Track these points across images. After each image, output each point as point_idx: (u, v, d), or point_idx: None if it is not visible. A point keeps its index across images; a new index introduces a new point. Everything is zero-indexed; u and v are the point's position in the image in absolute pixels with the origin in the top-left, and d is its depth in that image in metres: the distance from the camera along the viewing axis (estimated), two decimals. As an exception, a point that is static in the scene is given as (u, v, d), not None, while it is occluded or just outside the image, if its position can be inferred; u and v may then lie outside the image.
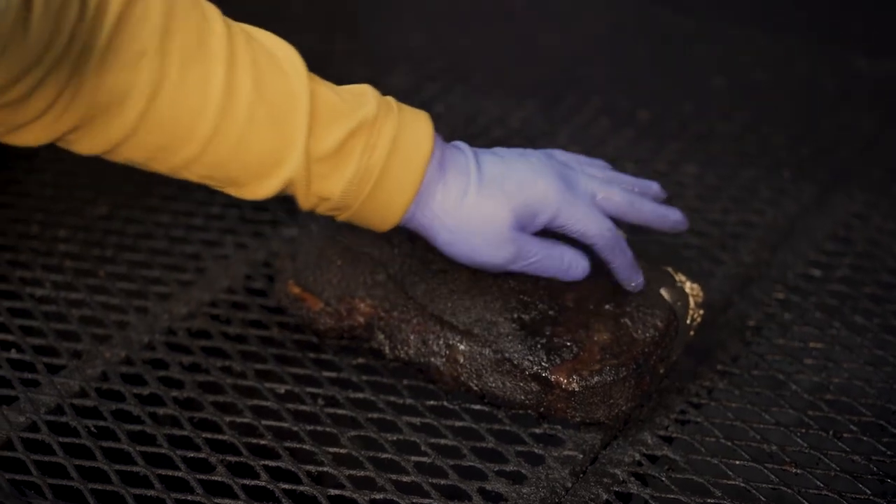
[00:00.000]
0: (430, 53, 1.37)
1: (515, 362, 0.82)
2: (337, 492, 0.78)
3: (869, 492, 0.78)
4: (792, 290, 0.97)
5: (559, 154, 0.86)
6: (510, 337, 0.83)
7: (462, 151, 0.81)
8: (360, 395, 0.86)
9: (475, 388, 0.84)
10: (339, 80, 1.19)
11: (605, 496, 0.78)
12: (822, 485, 0.79)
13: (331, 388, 0.87)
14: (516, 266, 0.82)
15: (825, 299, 0.97)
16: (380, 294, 0.87)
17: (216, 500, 0.77)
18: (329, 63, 1.34)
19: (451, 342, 0.84)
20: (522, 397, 0.83)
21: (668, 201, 1.09)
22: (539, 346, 0.82)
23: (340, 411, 0.85)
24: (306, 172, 0.76)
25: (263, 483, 0.79)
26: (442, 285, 0.86)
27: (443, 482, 0.79)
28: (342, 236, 0.90)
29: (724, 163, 1.16)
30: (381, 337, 0.87)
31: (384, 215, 0.79)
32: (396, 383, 0.87)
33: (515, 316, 0.84)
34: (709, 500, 0.78)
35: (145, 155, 0.76)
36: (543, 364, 0.82)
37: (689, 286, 0.87)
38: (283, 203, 1.08)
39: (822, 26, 1.43)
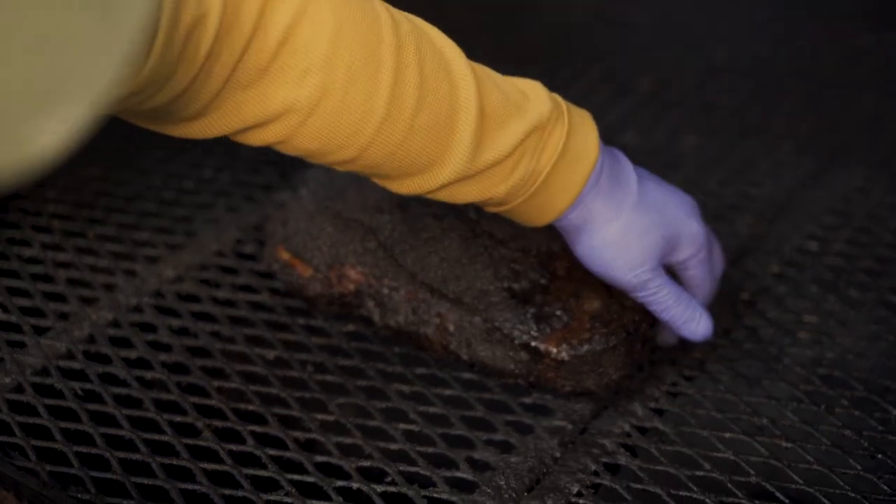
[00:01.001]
0: (431, 21, 1.35)
1: (505, 331, 0.81)
2: (324, 458, 0.78)
3: (859, 467, 0.78)
4: (787, 264, 0.96)
5: None
6: (500, 306, 0.82)
7: (621, 162, 0.78)
8: (350, 363, 0.86)
9: (465, 357, 0.83)
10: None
11: (593, 467, 0.78)
12: (812, 459, 0.78)
13: (320, 355, 0.86)
14: (638, 293, 0.79)
15: (821, 273, 0.96)
16: (370, 261, 0.86)
17: (202, 465, 0.77)
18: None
19: (441, 310, 0.83)
20: (512, 366, 0.82)
21: (667, 170, 1.08)
22: (529, 314, 0.81)
23: (329, 378, 0.84)
24: (466, 177, 0.72)
25: (250, 448, 0.78)
26: (433, 253, 0.85)
27: (430, 450, 0.78)
28: (333, 202, 0.89)
29: (724, 134, 1.15)
30: (371, 304, 0.86)
31: (539, 215, 0.76)
32: (386, 351, 0.86)
33: (506, 285, 0.83)
34: (698, 473, 0.77)
35: (298, 154, 0.72)
36: (533, 333, 0.81)
37: (683, 257, 0.86)
38: (277, 167, 1.07)
39: (827, 0, 1.42)
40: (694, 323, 0.80)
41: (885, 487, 0.76)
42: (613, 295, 0.82)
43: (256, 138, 0.70)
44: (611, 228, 0.77)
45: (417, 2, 1.44)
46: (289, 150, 0.72)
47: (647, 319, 0.82)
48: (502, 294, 0.82)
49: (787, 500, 0.75)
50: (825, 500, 0.75)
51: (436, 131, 0.70)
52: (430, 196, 0.74)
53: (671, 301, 0.79)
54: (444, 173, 0.72)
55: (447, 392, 0.83)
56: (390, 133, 0.70)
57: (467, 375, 0.84)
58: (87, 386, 0.83)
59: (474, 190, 0.74)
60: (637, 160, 1.09)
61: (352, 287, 0.87)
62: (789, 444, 0.79)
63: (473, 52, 1.27)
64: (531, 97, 0.74)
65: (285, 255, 0.89)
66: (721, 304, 0.91)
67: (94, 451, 0.78)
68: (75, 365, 0.85)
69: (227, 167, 1.07)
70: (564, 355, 0.80)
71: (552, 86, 1.21)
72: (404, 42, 0.69)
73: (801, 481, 0.77)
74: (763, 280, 0.94)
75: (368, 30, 0.68)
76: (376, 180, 0.75)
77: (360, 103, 0.68)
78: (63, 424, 0.80)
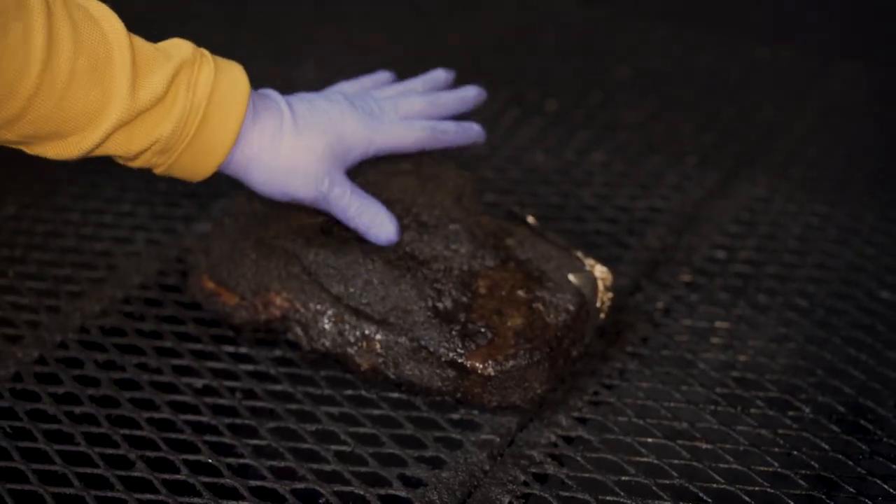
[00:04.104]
0: (339, 48, 1.37)
1: (431, 349, 0.83)
2: (258, 483, 0.79)
3: (777, 464, 0.81)
4: (698, 273, 1.00)
5: (346, 86, 0.92)
6: (425, 325, 0.84)
7: (270, 96, 0.85)
8: (278, 387, 0.87)
9: (392, 377, 0.85)
10: (247, 74, 1.17)
11: (522, 477, 0.80)
12: (731, 459, 0.81)
13: (248, 381, 0.87)
14: (329, 205, 0.85)
15: (730, 280, 0.99)
16: (295, 286, 0.87)
17: (136, 496, 0.77)
18: (235, 58, 1.34)
19: (367, 332, 0.85)
20: (439, 384, 0.84)
21: (577, 189, 1.12)
22: (454, 332, 0.83)
23: (259, 403, 0.85)
24: (130, 119, 0.77)
25: (184, 477, 0.79)
26: (357, 276, 0.86)
27: (363, 470, 0.80)
28: (255, 230, 0.90)
29: (630, 151, 1.18)
30: (298, 329, 0.87)
31: (207, 158, 0.81)
32: (314, 374, 0.88)
33: (430, 304, 0.85)
34: (623, 478, 0.80)
35: None
36: (459, 350, 0.83)
37: (598, 270, 0.89)
38: (196, 199, 1.08)
39: (723, 16, 1.47)
40: (376, 229, 0.86)
41: (802, 483, 0.80)
42: (536, 311, 0.85)
43: None
44: (274, 158, 0.83)
45: (326, 25, 1.45)
46: None
47: (569, 335, 0.85)
48: (427, 313, 0.84)
49: (709, 500, 0.78)
50: (746, 498, 0.78)
51: (97, 75, 0.75)
52: (103, 152, 0.78)
53: (354, 210, 0.85)
54: (111, 118, 0.76)
55: (376, 412, 0.85)
56: (54, 78, 0.73)
57: (395, 395, 0.86)
58: (17, 424, 0.83)
59: (140, 133, 0.78)
60: (546, 179, 1.13)
61: (278, 313, 0.88)
62: (709, 446, 0.82)
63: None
64: (172, 48, 0.80)
65: (210, 285, 0.90)
66: (637, 314, 0.94)
67: (27, 487, 0.78)
68: (3, 403, 0.85)
69: (144, 201, 1.07)
70: (490, 371, 0.82)
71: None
72: None
73: (722, 481, 0.79)
74: (676, 289, 0.98)
75: None
76: (49, 151, 0.77)
77: (18, 46, 0.72)
78: (-6, 463, 0.80)
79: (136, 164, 0.80)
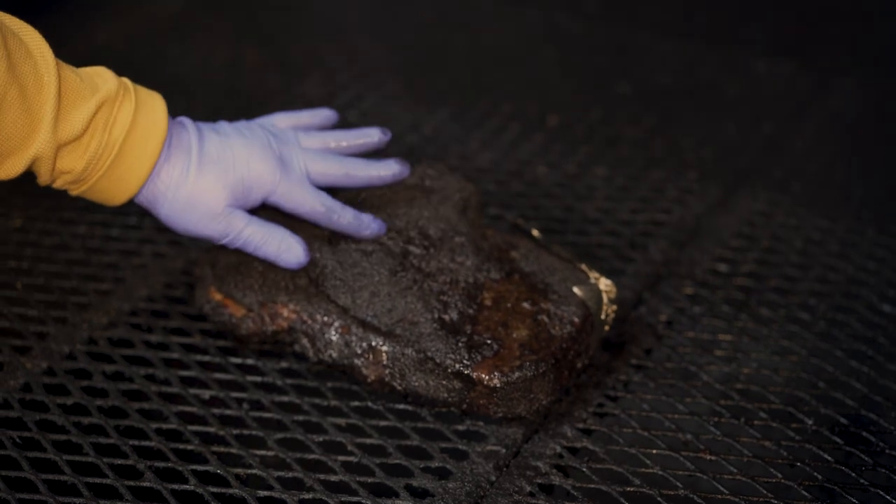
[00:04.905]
0: (341, 63, 1.38)
1: (438, 361, 0.84)
2: (266, 493, 0.79)
3: (780, 475, 0.81)
4: (700, 286, 1.01)
5: (279, 119, 0.92)
6: (432, 336, 0.85)
7: (186, 129, 0.86)
8: (285, 399, 0.87)
9: (399, 388, 0.86)
10: (252, 89, 1.19)
11: (528, 488, 0.81)
12: (735, 470, 0.82)
13: (255, 392, 0.88)
14: (230, 241, 0.87)
15: (732, 293, 1.00)
16: (302, 298, 0.88)
17: (145, 506, 0.78)
18: (240, 73, 1.35)
19: (373, 343, 0.86)
20: (445, 395, 0.84)
21: (579, 203, 1.12)
22: (460, 344, 0.84)
23: (266, 414, 0.86)
24: (53, 150, 0.79)
25: (192, 487, 0.80)
26: (363, 288, 0.87)
27: (370, 480, 0.81)
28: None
29: (632, 165, 1.19)
30: (305, 341, 0.88)
31: (120, 189, 0.83)
32: (321, 385, 0.88)
33: (436, 316, 0.85)
34: (628, 489, 0.80)
35: None
36: (465, 362, 0.83)
37: (602, 283, 0.90)
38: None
39: (723, 31, 1.48)
40: (285, 254, 0.87)
41: (805, 494, 0.80)
42: (541, 323, 0.85)
43: None
44: (178, 195, 0.84)
45: (330, 40, 1.46)
46: None
47: (574, 347, 0.86)
48: (433, 325, 0.85)
49: (714, 510, 0.79)
50: (749, 509, 0.79)
51: (26, 104, 0.77)
52: (15, 176, 0.79)
53: (258, 240, 0.87)
54: (33, 149, 0.78)
55: (383, 423, 0.85)
56: None
57: (401, 406, 0.87)
58: (26, 434, 0.84)
59: (58, 164, 0.80)
60: (549, 193, 1.14)
61: (284, 324, 0.88)
62: (713, 457, 0.83)
63: (384, 92, 1.31)
64: (97, 79, 0.81)
65: (217, 296, 0.91)
66: (641, 326, 0.95)
67: (37, 497, 0.78)
68: (12, 414, 0.85)
69: (150, 214, 1.08)
70: (496, 382, 0.83)
71: (463, 124, 1.25)
72: None
73: (726, 491, 0.80)
74: (679, 302, 0.98)
75: None
76: None
77: None
78: (3, 473, 0.80)
79: (53, 186, 0.82)
